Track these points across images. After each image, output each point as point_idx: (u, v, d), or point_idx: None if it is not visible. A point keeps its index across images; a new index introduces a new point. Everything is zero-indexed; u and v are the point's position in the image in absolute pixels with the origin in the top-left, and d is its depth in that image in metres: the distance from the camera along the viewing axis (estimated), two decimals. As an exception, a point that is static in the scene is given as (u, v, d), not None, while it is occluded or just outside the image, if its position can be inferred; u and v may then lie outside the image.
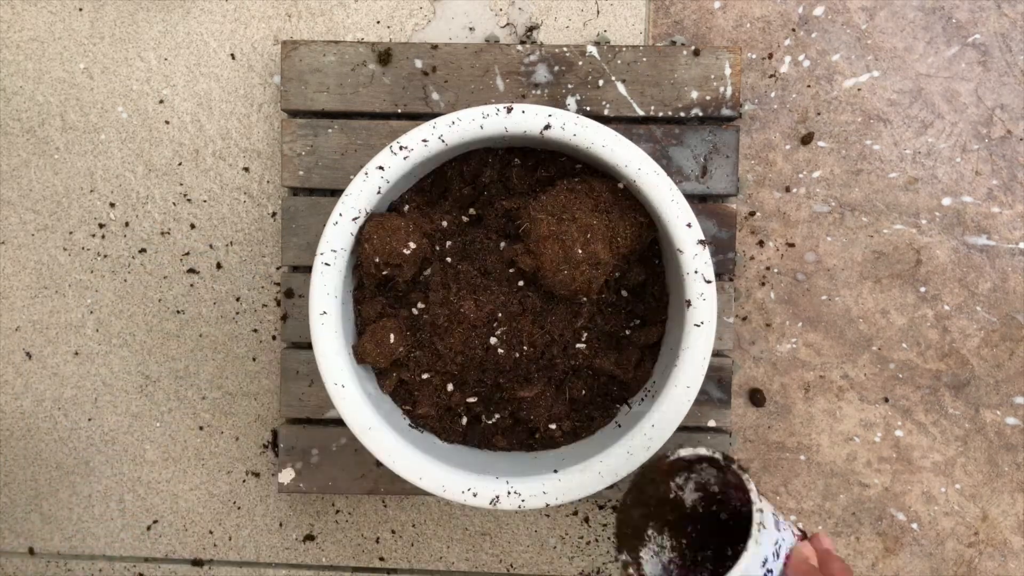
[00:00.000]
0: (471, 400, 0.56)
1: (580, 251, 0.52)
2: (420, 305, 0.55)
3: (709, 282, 0.50)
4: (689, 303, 0.50)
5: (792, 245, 0.64)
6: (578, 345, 0.56)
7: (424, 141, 0.50)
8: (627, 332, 0.56)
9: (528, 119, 0.50)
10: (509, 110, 0.50)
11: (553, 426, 0.56)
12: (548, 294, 0.55)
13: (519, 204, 0.55)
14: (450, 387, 0.56)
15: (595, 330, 0.56)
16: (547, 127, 0.50)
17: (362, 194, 0.51)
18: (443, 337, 0.55)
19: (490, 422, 0.56)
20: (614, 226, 0.52)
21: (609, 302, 0.56)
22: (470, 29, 0.64)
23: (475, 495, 0.51)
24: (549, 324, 0.55)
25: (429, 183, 0.56)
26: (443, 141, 0.50)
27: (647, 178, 0.50)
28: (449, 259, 0.56)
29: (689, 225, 0.50)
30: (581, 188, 0.53)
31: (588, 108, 0.59)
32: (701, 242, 0.50)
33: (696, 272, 0.50)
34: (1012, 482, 0.65)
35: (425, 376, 0.55)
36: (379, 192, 0.51)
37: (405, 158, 0.50)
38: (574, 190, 0.53)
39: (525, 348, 0.55)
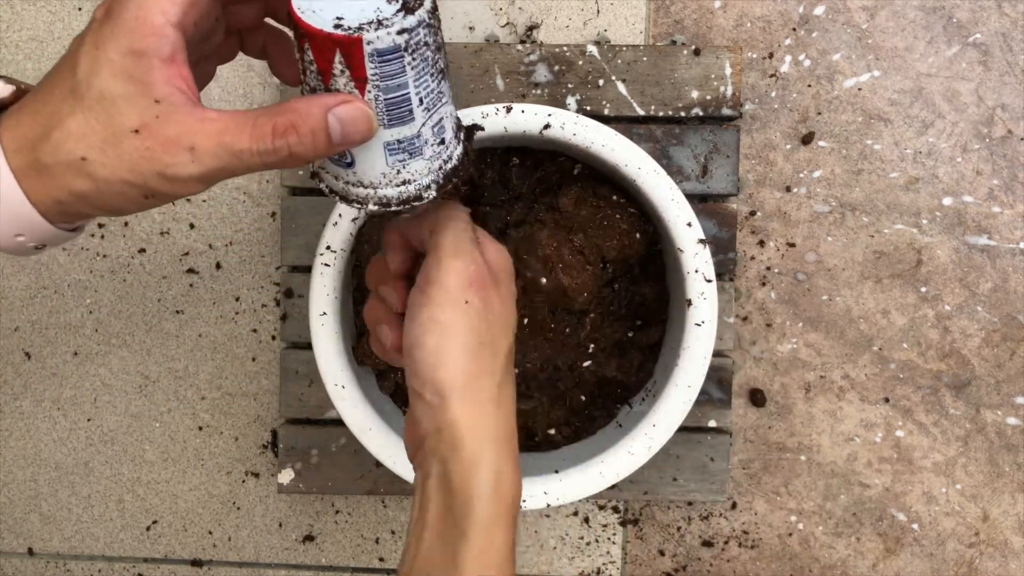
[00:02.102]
0: None
1: (580, 257, 0.52)
2: None
3: (710, 281, 0.50)
4: (690, 302, 0.50)
5: (793, 245, 0.64)
6: (585, 364, 0.55)
7: (424, 140, 0.50)
8: (629, 335, 0.56)
9: (528, 118, 0.49)
10: (509, 109, 0.49)
11: (552, 431, 0.56)
12: (550, 303, 0.55)
13: (522, 216, 0.54)
14: None
15: (601, 341, 0.55)
16: (547, 126, 0.49)
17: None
18: None
19: None
20: (616, 229, 0.52)
21: (612, 311, 0.56)
22: (470, 28, 0.64)
23: (476, 496, 0.50)
24: (552, 336, 0.55)
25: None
26: (443, 140, 0.50)
27: (647, 177, 0.50)
28: None
29: (689, 224, 0.49)
30: (583, 194, 0.53)
31: (588, 108, 0.59)
32: (701, 241, 0.50)
33: (697, 271, 0.50)
34: (1013, 482, 0.65)
35: None
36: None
37: (405, 157, 0.50)
38: (577, 196, 0.52)
39: (527, 365, 0.54)
